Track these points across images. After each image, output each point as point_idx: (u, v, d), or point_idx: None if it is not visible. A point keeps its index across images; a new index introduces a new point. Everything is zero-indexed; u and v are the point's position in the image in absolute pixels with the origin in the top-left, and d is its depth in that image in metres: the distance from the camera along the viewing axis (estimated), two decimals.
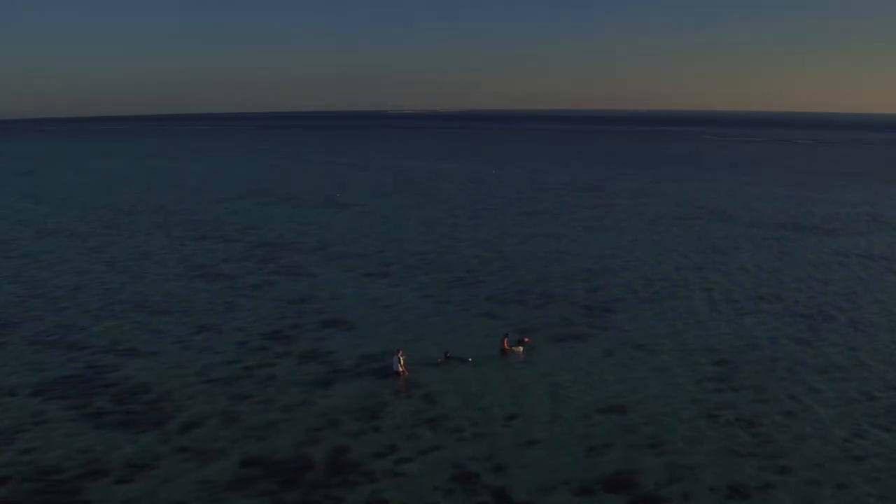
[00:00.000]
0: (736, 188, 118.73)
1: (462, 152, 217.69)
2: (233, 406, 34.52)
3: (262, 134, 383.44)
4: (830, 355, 40.34)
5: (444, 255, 66.98)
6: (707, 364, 39.15)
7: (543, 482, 27.40)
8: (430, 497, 26.50)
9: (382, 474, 28.08)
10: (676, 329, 45.05)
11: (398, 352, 39.28)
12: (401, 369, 38.41)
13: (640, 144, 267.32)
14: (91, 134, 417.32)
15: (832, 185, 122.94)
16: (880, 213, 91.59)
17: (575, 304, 50.88)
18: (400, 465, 28.81)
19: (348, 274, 60.28)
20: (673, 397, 34.89)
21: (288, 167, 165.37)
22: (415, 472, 28.20)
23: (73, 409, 34.35)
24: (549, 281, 57.13)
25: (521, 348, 41.52)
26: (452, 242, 73.10)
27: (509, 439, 30.87)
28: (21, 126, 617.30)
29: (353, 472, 28.29)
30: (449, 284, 56.39)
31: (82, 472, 28.73)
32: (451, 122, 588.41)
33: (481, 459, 29.13)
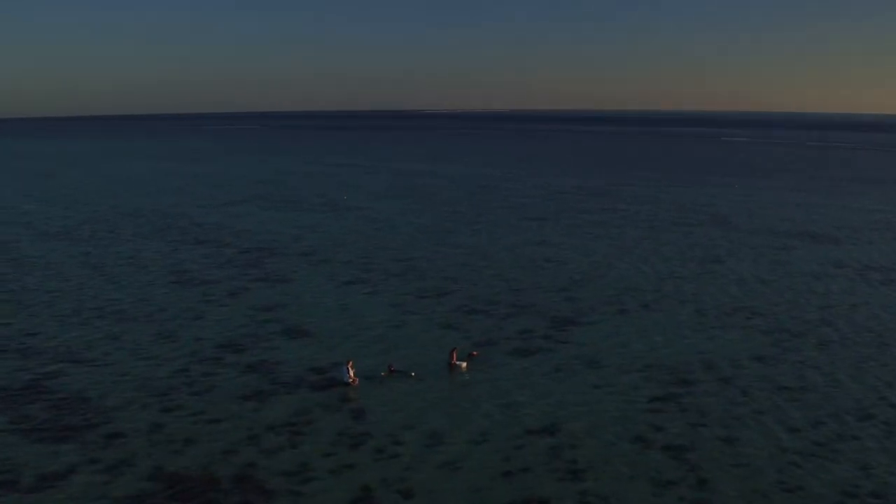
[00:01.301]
0: (749, 194, 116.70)
1: (481, 154, 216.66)
2: (160, 418, 34.11)
3: (293, 134, 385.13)
4: (791, 376, 39.00)
5: (428, 262, 66.31)
6: (658, 383, 38.02)
7: None
8: None
9: (282, 494, 27.46)
10: (638, 344, 43.92)
11: (348, 362, 38.81)
12: (351, 380, 37.90)
13: (662, 147, 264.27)
14: (121, 134, 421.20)
15: (850, 192, 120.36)
16: (894, 222, 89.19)
17: (544, 315, 49.91)
18: (303, 484, 28.19)
19: (327, 281, 59.83)
20: (610, 419, 33.86)
21: (303, 170, 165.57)
22: (315, 494, 27.53)
23: (6, 419, 34.12)
24: (525, 290, 56.21)
25: (464, 364, 40.63)
26: (441, 249, 72.39)
27: (427, 460, 30.10)
28: (53, 125, 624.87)
29: (254, 491, 27.72)
30: (423, 293, 55.69)
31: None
32: (479, 123, 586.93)
33: (390, 482, 28.40)
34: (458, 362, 40.56)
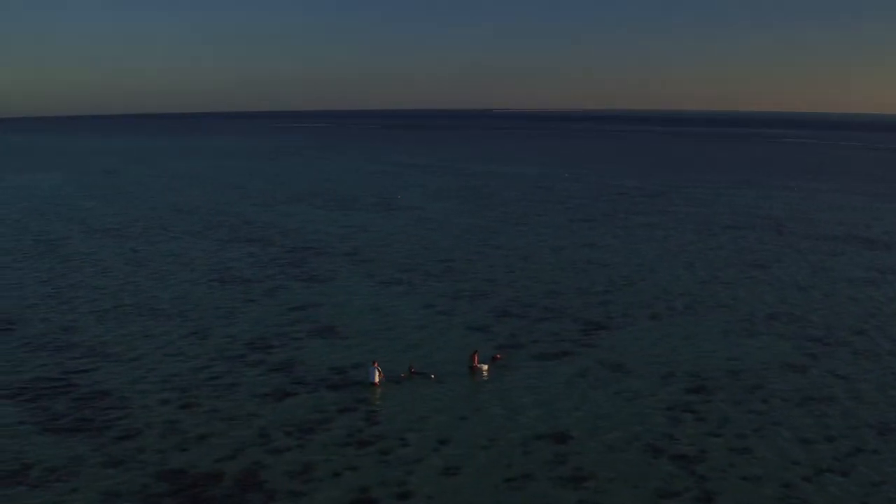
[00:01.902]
0: (808, 196, 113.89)
1: (546, 153, 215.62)
2: (176, 415, 34.63)
3: (361, 133, 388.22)
4: (816, 387, 37.83)
5: (469, 263, 66.15)
6: (679, 391, 37.26)
7: None
8: None
9: (281, 493, 27.63)
10: (666, 350, 43.14)
11: (374, 363, 38.91)
12: (377, 380, 38.05)
13: (723, 148, 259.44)
14: (196, 131, 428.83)
15: None
16: None
17: (576, 319, 49.37)
18: (303, 484, 28.34)
19: (365, 281, 60.07)
20: (624, 426, 33.30)
21: (365, 169, 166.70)
22: (313, 494, 27.65)
23: (28, 412, 35.06)
24: (562, 293, 55.66)
25: (486, 366, 40.39)
26: (485, 250, 72.15)
27: (430, 464, 29.99)
28: (131, 121, 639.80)
29: (253, 490, 27.96)
30: (458, 294, 55.55)
31: (7, 475, 29.13)
32: (550, 122, 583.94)
33: (391, 485, 28.36)
34: (479, 365, 40.33)
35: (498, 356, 41.99)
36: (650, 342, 44.55)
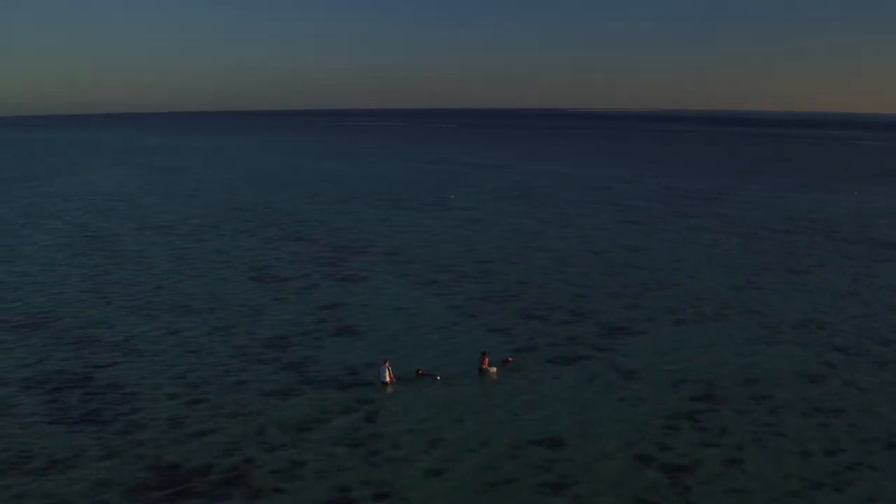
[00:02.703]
0: (868, 200, 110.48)
1: (612, 154, 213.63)
2: (182, 410, 35.42)
3: (432, 132, 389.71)
4: (830, 398, 36.77)
5: (507, 265, 66.01)
6: (687, 398, 36.63)
7: None
8: None
9: (266, 492, 28.09)
10: (682, 357, 42.43)
11: (385, 362, 39.25)
12: (388, 380, 38.39)
13: (789, 149, 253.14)
14: (273, 129, 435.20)
15: None
16: None
17: (600, 322, 48.92)
18: (289, 483, 28.76)
19: (398, 281, 60.41)
20: (621, 434, 32.89)
21: (427, 168, 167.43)
22: (295, 492, 28.04)
23: (42, 403, 36.30)
24: (592, 297, 55.18)
25: (495, 369, 40.33)
26: (526, 251, 71.89)
27: (418, 466, 30.12)
28: (210, 119, 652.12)
29: (241, 486, 28.52)
30: (488, 296, 55.51)
31: (7, 462, 30.28)
32: (620, 123, 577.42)
33: (373, 485, 28.59)
34: (489, 367, 40.29)
35: (510, 359, 41.89)
36: (668, 348, 43.89)
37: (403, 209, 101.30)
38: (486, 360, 40.55)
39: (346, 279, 61.20)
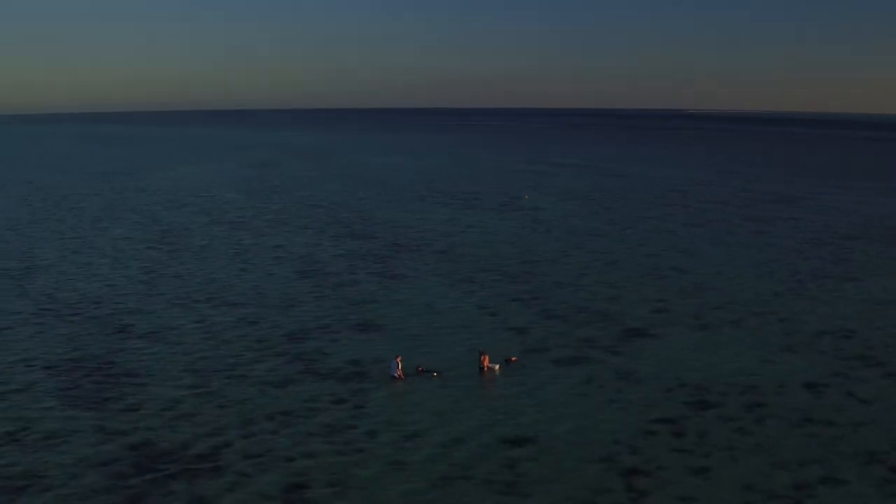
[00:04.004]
0: None
1: (706, 157, 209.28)
2: (180, 396, 37.20)
3: (542, 131, 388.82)
4: (826, 409, 35.71)
5: (550, 265, 66.08)
6: (678, 404, 36.24)
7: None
8: (240, 501, 27.43)
9: (230, 473, 29.41)
10: (688, 361, 41.89)
11: (397, 357, 40.26)
12: (398, 374, 39.39)
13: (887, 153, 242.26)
14: (376, 126, 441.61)
15: None
16: None
17: (620, 325, 48.67)
18: (252, 467, 30.00)
19: (437, 279, 61.23)
20: (595, 437, 32.88)
21: (514, 168, 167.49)
22: (258, 477, 29.21)
23: (56, 384, 38.76)
24: (622, 298, 54.83)
25: (497, 366, 40.78)
26: (576, 252, 71.70)
27: (382, 459, 30.90)
28: (318, 116, 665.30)
29: (209, 467, 29.95)
30: (519, 296, 55.85)
31: (7, 434, 32.76)
32: (739, 124, 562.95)
33: (333, 474, 29.55)
34: (491, 365, 40.74)
35: (513, 358, 42.23)
36: (677, 353, 43.41)
37: (474, 208, 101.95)
38: (486, 358, 40.96)
39: (387, 276, 62.32)
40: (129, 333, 47.01)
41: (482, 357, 41.05)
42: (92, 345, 44.72)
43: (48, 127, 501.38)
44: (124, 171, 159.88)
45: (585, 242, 76.69)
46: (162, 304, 53.78)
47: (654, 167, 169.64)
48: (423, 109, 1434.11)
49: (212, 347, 44.47)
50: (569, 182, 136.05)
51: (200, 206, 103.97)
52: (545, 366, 41.58)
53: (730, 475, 29.44)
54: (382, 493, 28.22)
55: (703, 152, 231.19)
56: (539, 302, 54.28)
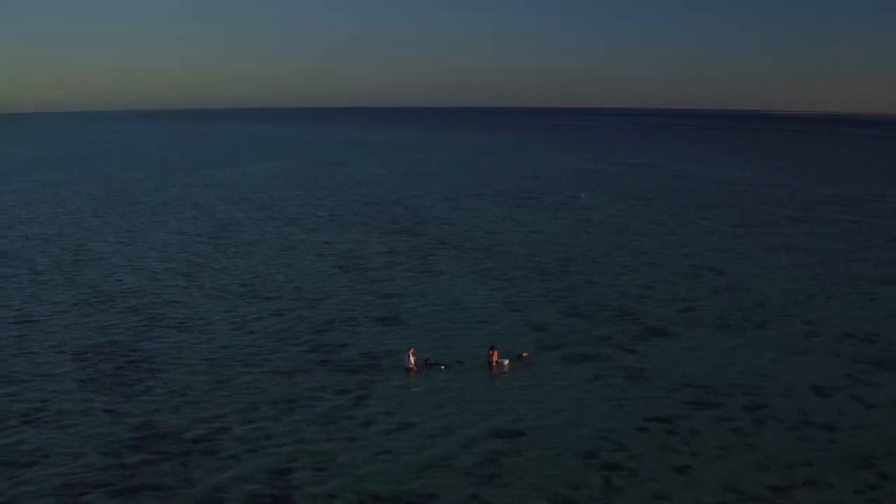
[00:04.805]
0: None
1: (772, 158, 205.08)
2: (193, 382, 38.68)
3: (605, 132, 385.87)
4: (829, 411, 35.14)
5: (587, 264, 66.04)
6: (678, 404, 36.08)
7: (339, 488, 28.24)
8: (224, 482, 28.57)
9: (220, 456, 30.66)
10: (700, 362, 41.60)
11: (409, 349, 41.16)
12: (411, 366, 40.29)
13: None
14: (455, 124, 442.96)
15: None
16: None
17: (641, 323, 48.57)
18: (241, 451, 31.17)
19: (472, 276, 61.78)
20: (585, 432, 33.12)
21: (577, 167, 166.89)
22: (247, 459, 30.40)
23: (79, 367, 40.67)
24: (651, 298, 54.58)
25: (507, 361, 41.26)
26: (616, 251, 71.46)
27: (368, 446, 31.72)
28: (393, 114, 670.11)
29: (203, 449, 31.21)
30: (547, 293, 56.10)
31: (24, 413, 34.60)
32: (821, 126, 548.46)
33: (320, 460, 30.51)
34: (500, 360, 41.25)
35: (524, 354, 42.63)
36: (691, 353, 43.18)
37: (528, 207, 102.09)
38: (495, 353, 41.47)
39: (422, 271, 63.13)
40: (160, 323, 48.78)
41: (490, 352, 41.55)
42: (121, 333, 46.58)
43: (133, 123, 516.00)
44: (194, 167, 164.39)
45: (628, 242, 76.30)
46: (198, 295, 55.56)
47: (719, 168, 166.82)
48: (494, 108, 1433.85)
49: (234, 337, 45.90)
50: (629, 182, 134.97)
51: (259, 202, 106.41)
52: (555, 362, 41.85)
53: (710, 475, 29.40)
54: (362, 479, 29.01)
55: (771, 153, 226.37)
56: (567, 299, 54.43)
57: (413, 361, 40.61)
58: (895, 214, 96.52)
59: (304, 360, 42.04)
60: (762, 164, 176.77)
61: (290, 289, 57.50)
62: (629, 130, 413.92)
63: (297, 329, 47.69)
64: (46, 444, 31.74)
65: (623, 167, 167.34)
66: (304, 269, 64.45)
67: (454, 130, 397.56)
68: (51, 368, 40.50)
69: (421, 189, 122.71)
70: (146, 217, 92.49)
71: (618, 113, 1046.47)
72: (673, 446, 31.81)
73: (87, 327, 47.69)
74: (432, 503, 27.44)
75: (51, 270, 63.01)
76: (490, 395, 37.37)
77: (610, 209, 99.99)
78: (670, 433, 33.03)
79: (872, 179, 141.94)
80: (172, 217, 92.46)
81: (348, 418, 34.50)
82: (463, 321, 49.36)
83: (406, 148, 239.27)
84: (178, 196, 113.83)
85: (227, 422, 33.98)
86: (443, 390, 37.85)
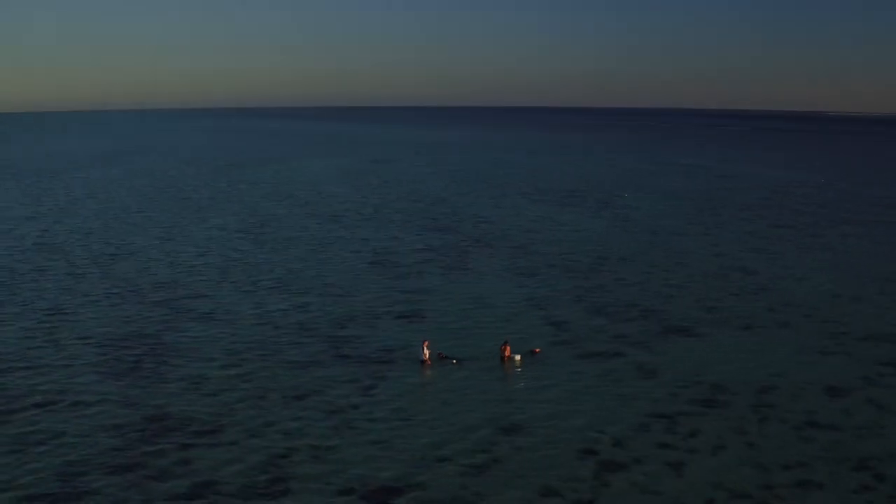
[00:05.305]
0: None
1: (826, 159, 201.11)
2: (208, 371, 39.70)
3: (673, 132, 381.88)
4: (838, 412, 34.58)
5: (618, 262, 65.89)
6: (686, 401, 35.94)
7: (331, 475, 28.85)
8: (222, 466, 29.40)
9: (221, 439, 31.53)
10: (715, 360, 41.32)
11: (424, 343, 41.74)
12: (425, 359, 40.89)
13: None
14: (505, 124, 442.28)
15: None
16: None
17: (661, 322, 48.38)
18: (244, 438, 32.00)
19: (500, 273, 62.10)
20: (587, 427, 33.23)
21: (624, 166, 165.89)
22: (246, 443, 31.26)
23: (102, 356, 42.01)
24: (676, 297, 54.25)
25: (519, 357, 41.53)
26: (649, 250, 71.11)
27: (367, 436, 32.27)
28: (460, 113, 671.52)
29: (208, 432, 32.24)
30: (573, 291, 56.17)
31: (43, 398, 35.97)
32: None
33: (317, 446, 31.21)
34: (512, 355, 41.54)
35: (537, 350, 42.84)
36: (707, 351, 42.91)
37: (569, 206, 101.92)
38: (507, 348, 41.77)
39: (453, 268, 63.54)
40: (186, 315, 49.96)
41: (503, 347, 41.86)
42: (147, 324, 47.85)
43: (200, 120, 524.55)
44: (244, 164, 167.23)
45: (663, 241, 75.81)
46: (228, 289, 56.72)
47: (766, 168, 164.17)
48: (554, 109, 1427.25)
49: (255, 330, 46.83)
50: (673, 182, 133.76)
51: (303, 199, 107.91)
52: (568, 359, 41.95)
53: (702, 472, 29.30)
54: (355, 467, 29.55)
55: (826, 154, 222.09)
56: (592, 298, 54.40)
57: (428, 354, 41.09)
58: None
59: (320, 353, 42.74)
60: (809, 166, 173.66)
61: (319, 284, 58.36)
62: (681, 130, 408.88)
63: (319, 323, 48.45)
64: (58, 427, 32.91)
65: (670, 167, 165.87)
66: (336, 265, 65.29)
67: (508, 130, 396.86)
68: (74, 357, 41.85)
69: (465, 187, 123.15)
70: (190, 213, 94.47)
71: (670, 113, 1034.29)
72: (670, 443, 31.76)
73: (115, 318, 49.06)
74: (420, 492, 27.83)
75: (88, 263, 64.87)
76: (496, 389, 37.68)
77: (650, 209, 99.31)
78: (669, 430, 32.97)
79: None
80: (216, 213, 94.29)
81: (353, 409, 35.09)
82: (485, 317, 49.67)
83: (457, 147, 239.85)
84: (225, 192, 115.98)
85: (234, 410, 34.82)
86: (450, 383, 38.24)
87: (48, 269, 62.57)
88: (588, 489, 28.07)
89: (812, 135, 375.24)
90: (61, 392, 36.85)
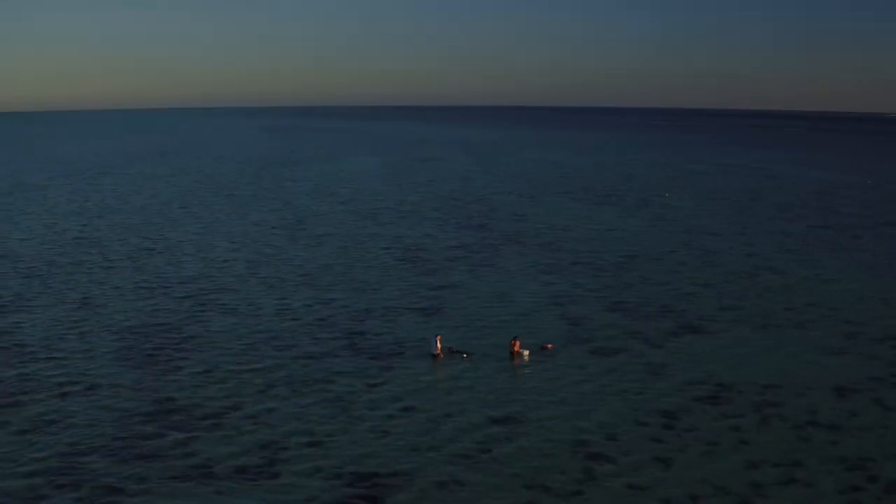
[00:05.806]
0: None
1: (879, 160, 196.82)
2: (221, 362, 40.58)
3: (754, 132, 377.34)
4: (843, 412, 34.14)
5: (646, 261, 65.60)
6: (688, 398, 35.82)
7: (324, 464, 29.50)
8: (219, 452, 30.24)
9: (222, 428, 32.37)
10: (723, 359, 41.11)
11: (436, 337, 42.33)
12: (437, 352, 41.49)
13: None
14: (562, 123, 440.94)
15: None
16: None
17: (678, 320, 48.19)
18: (246, 425, 32.80)
19: (526, 270, 62.25)
20: (583, 422, 33.37)
21: (668, 166, 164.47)
22: (244, 432, 32.08)
23: (120, 344, 43.27)
24: (698, 296, 53.93)
25: (527, 352, 41.79)
26: (679, 249, 70.69)
27: (365, 426, 32.85)
28: (510, 113, 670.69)
29: (211, 420, 33.10)
30: (596, 288, 56.17)
31: (59, 385, 37.21)
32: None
33: (314, 435, 31.86)
34: (521, 351, 41.84)
35: (548, 345, 43.07)
36: (720, 350, 42.66)
37: (607, 205, 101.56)
38: (517, 343, 42.07)
39: (481, 265, 63.87)
40: (209, 308, 51.10)
41: (513, 342, 42.17)
42: (170, 316, 49.09)
43: (253, 118, 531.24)
44: (291, 162, 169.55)
45: (695, 241, 75.26)
46: (255, 283, 57.83)
47: (812, 169, 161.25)
48: (608, 109, 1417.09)
49: (275, 323, 47.76)
50: (717, 182, 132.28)
51: (344, 197, 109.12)
52: (578, 355, 42.09)
53: (692, 469, 29.28)
54: (349, 457, 30.10)
55: (882, 156, 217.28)
56: (614, 295, 54.33)
57: (440, 348, 41.59)
58: None
59: (335, 346, 43.45)
60: (859, 167, 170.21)
61: (345, 279, 59.15)
62: (728, 130, 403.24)
63: (338, 317, 49.20)
64: (69, 413, 34.09)
65: (715, 167, 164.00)
66: (366, 261, 66.04)
67: (558, 129, 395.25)
68: (95, 346, 43.19)
69: (507, 186, 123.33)
70: (231, 209, 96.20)
71: (718, 114, 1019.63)
72: (664, 439, 31.79)
73: (140, 310, 50.40)
74: (409, 482, 28.30)
75: (123, 258, 66.58)
76: (502, 384, 37.99)
77: (688, 208, 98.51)
78: (668, 428, 32.97)
79: None
80: (256, 209, 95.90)
81: (357, 400, 35.69)
82: (503, 313, 49.95)
83: (500, 146, 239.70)
84: (268, 189, 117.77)
85: (240, 399, 35.68)
86: (457, 378, 38.66)
87: (84, 263, 64.42)
88: (576, 485, 28.25)
89: (868, 136, 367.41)
90: (77, 379, 38.10)
